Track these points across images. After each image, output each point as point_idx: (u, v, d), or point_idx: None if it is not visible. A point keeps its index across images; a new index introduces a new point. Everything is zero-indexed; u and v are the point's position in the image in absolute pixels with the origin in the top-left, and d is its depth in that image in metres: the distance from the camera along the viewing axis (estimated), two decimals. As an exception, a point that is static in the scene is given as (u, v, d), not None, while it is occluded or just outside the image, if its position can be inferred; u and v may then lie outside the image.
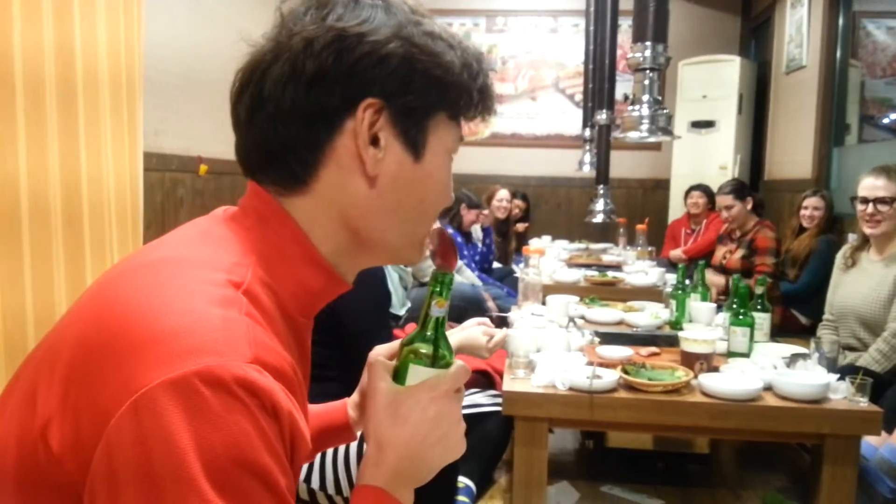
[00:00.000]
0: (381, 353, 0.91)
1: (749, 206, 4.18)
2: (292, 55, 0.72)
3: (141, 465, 0.58)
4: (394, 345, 1.01)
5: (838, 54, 4.86)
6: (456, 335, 2.18)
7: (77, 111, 2.44)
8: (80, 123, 2.45)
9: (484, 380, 2.40)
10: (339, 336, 1.94)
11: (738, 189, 4.23)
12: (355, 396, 1.09)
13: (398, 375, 0.80)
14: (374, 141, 0.74)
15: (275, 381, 0.64)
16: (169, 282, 0.67)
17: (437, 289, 0.81)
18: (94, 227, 2.53)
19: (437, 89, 0.75)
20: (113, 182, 2.64)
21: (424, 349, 0.80)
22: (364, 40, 0.72)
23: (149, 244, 0.78)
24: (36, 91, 2.24)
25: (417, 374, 0.80)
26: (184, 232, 0.78)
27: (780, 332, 3.61)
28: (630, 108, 2.34)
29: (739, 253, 4.12)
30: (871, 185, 2.77)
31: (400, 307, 2.11)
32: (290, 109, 0.73)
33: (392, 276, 2.07)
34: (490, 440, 2.17)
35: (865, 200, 2.77)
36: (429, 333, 0.81)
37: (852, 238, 3.21)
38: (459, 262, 4.40)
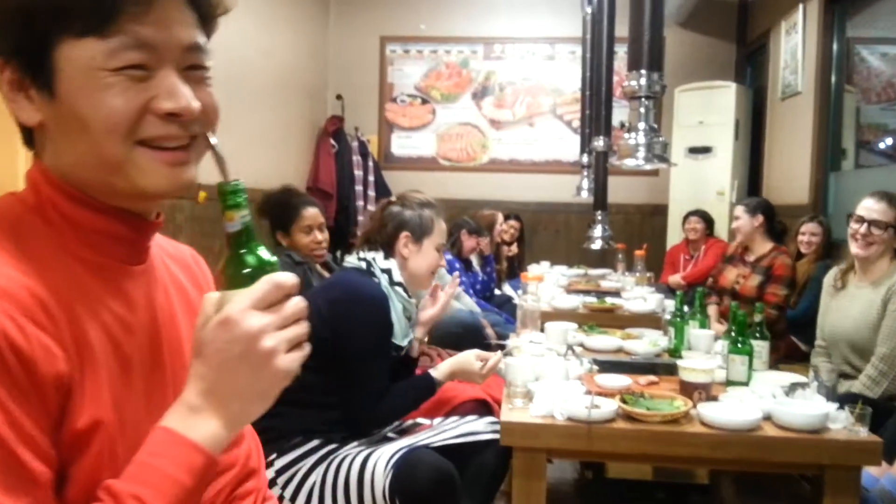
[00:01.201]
0: None
1: (757, 224, 3.99)
2: None
3: None
4: None
5: (833, 80, 4.89)
6: (449, 361, 2.19)
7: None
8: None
9: (482, 408, 2.38)
10: (341, 361, 1.95)
11: (752, 204, 4.10)
12: None
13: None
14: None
15: None
16: None
17: (224, 202, 0.75)
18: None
19: (24, 23, 0.72)
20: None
21: (229, 272, 0.75)
22: None
23: None
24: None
25: (226, 299, 0.74)
26: None
27: (783, 359, 3.59)
28: (626, 135, 2.35)
29: (756, 280, 3.96)
30: (869, 207, 2.78)
31: (402, 338, 2.14)
32: None
33: (396, 307, 2.10)
34: (487, 469, 2.15)
35: (861, 220, 2.77)
36: (230, 254, 0.75)
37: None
38: (458, 289, 4.38)
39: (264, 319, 0.72)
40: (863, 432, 1.79)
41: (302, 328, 0.75)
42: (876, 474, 2.13)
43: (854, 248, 2.81)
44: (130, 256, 0.82)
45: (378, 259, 2.13)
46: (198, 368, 0.73)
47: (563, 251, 6.45)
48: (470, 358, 2.19)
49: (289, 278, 0.74)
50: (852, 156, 4.92)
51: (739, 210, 4.06)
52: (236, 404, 0.73)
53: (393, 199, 2.26)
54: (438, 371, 2.15)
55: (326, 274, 3.07)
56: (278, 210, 3.05)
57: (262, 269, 0.75)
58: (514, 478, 1.89)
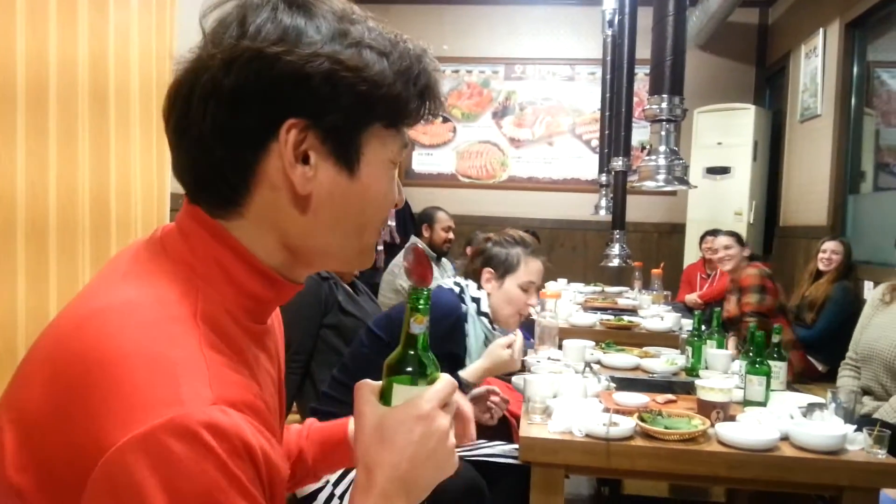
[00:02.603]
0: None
1: (746, 254, 4.30)
2: (212, 76, 0.70)
3: None
4: None
5: (853, 103, 4.91)
6: (480, 360, 2.16)
7: (138, 130, 2.45)
8: (120, 139, 2.50)
9: (505, 431, 2.38)
10: None
11: (740, 237, 4.40)
12: None
13: (384, 396, 0.79)
14: (306, 159, 0.72)
15: (241, 416, 0.64)
16: (122, 330, 0.66)
17: (416, 305, 0.80)
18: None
19: (365, 104, 0.72)
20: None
21: (407, 367, 0.80)
22: (282, 59, 0.69)
23: (88, 286, 0.77)
24: (70, 101, 2.21)
25: (401, 393, 0.79)
26: (124, 268, 0.75)
27: (798, 378, 3.58)
28: (647, 157, 2.38)
29: (732, 300, 4.14)
30: None
31: None
32: (213, 133, 0.71)
33: (477, 335, 2.13)
34: (510, 495, 2.16)
35: None
36: (411, 352, 0.80)
37: (869, 286, 3.20)
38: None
39: (448, 418, 0.79)
40: (881, 454, 1.80)
41: None
42: (894, 496, 2.13)
43: None
44: (264, 316, 0.83)
45: (471, 287, 2.19)
46: (387, 456, 0.76)
47: (579, 268, 6.47)
48: (499, 351, 2.12)
49: (453, 380, 0.81)
50: (871, 178, 4.92)
51: (731, 240, 4.32)
52: (419, 492, 0.78)
53: (491, 235, 2.30)
54: (467, 371, 2.11)
55: (351, 291, 3.10)
56: None
57: (436, 370, 0.81)
58: (532, 493, 1.92)
